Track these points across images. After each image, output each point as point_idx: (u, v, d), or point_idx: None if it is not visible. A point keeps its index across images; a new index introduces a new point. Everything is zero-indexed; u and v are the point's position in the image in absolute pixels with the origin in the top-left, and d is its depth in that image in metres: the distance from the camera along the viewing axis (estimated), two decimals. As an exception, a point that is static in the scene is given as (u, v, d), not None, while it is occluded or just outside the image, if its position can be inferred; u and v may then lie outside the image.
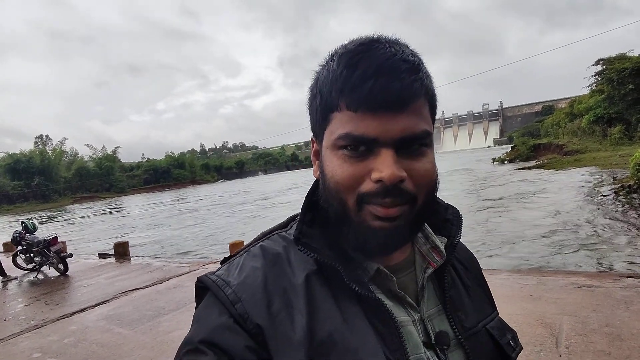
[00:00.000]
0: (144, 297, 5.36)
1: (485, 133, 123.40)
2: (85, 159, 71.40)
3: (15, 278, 7.57)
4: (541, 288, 4.06)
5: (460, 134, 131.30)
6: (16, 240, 7.63)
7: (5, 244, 11.01)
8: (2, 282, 7.38)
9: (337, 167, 0.47)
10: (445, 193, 15.27)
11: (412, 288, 0.54)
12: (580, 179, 14.62)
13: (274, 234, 0.57)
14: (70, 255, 7.70)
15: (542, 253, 6.38)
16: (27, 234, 7.68)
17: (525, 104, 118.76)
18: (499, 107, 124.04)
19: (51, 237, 7.42)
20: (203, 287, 0.51)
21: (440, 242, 0.56)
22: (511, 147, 35.44)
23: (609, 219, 8.04)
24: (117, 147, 76.06)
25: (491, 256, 6.54)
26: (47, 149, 65.15)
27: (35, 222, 8.15)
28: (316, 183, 0.56)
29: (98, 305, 5.22)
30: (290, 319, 0.46)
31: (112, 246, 9.12)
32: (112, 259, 8.61)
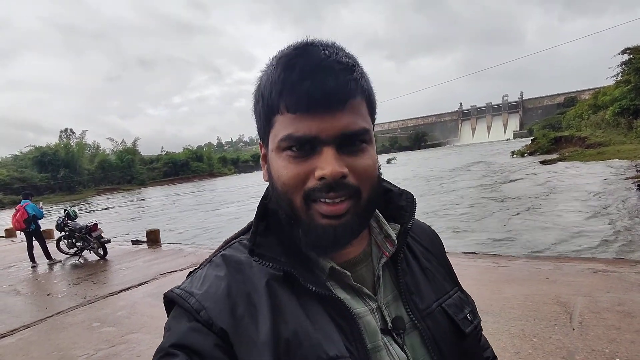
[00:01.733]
0: (183, 278, 5.56)
1: (505, 125, 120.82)
2: (107, 152, 73.57)
3: (60, 261, 8.20)
4: (557, 272, 4.28)
5: (479, 126, 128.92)
6: (60, 226, 8.25)
7: (43, 232, 11.76)
8: (48, 264, 8.01)
9: (282, 168, 0.49)
10: (461, 189, 15.32)
11: (370, 278, 0.57)
12: (603, 172, 14.46)
13: (234, 242, 0.59)
14: (109, 241, 8.28)
15: (561, 242, 6.54)
16: (69, 221, 8.28)
17: (547, 96, 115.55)
18: (519, 98, 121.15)
19: (92, 224, 8.01)
20: (170, 301, 0.53)
21: (393, 230, 0.59)
22: (531, 139, 34.82)
23: (630, 211, 8.08)
24: (137, 138, 77.62)
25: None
26: (71, 142, 67.40)
27: (77, 210, 8.76)
28: (267, 191, 0.58)
29: (141, 285, 5.71)
30: (255, 321, 0.48)
31: (132, 234, 9.67)
32: (145, 245, 9.15)
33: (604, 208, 8.63)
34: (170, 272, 6.25)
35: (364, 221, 0.53)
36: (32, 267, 7.86)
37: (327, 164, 0.47)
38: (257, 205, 0.57)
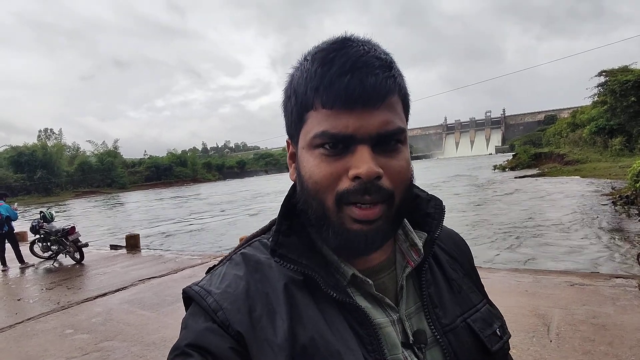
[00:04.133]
0: (162, 285, 5.67)
1: (487, 140, 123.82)
2: (87, 154, 71.81)
3: (33, 265, 7.90)
4: (536, 285, 4.37)
5: (462, 140, 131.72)
6: (35, 229, 7.95)
7: (17, 234, 11.31)
8: (20, 268, 7.70)
9: (314, 167, 0.47)
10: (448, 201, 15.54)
11: (392, 288, 0.55)
12: (580, 188, 14.94)
13: (255, 241, 0.58)
14: (86, 245, 8.03)
15: (541, 257, 6.69)
16: (45, 223, 7.99)
17: (528, 113, 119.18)
18: (501, 114, 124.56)
19: (69, 227, 7.76)
20: (188, 297, 0.53)
21: (420, 239, 0.56)
22: (512, 155, 35.80)
23: (606, 227, 8.35)
24: (117, 140, 76.08)
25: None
26: (50, 143, 65.46)
27: (53, 212, 8.48)
28: (292, 189, 0.56)
29: (118, 291, 5.54)
30: (272, 323, 0.47)
31: (110, 239, 9.43)
32: (124, 250, 8.92)
33: (581, 224, 8.89)
34: (149, 278, 6.09)
35: (395, 227, 0.51)
36: (2, 270, 7.55)
37: (363, 162, 0.45)
38: (281, 203, 0.55)
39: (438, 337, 0.53)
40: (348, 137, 0.45)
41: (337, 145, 0.46)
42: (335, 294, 0.49)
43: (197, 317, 0.49)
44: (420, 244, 0.56)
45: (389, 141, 0.47)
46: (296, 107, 0.49)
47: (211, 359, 0.46)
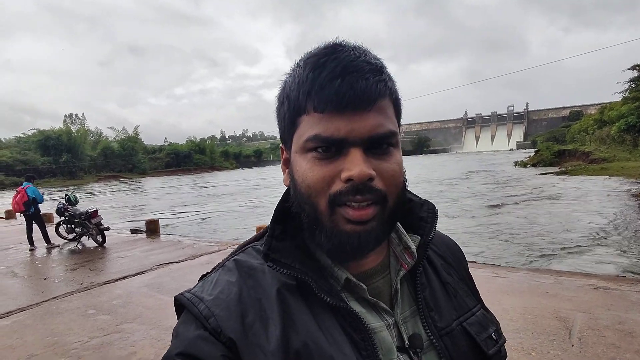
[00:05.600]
0: (180, 270, 5.79)
1: (509, 135, 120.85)
2: (110, 139, 73.78)
3: (58, 246, 8.20)
4: (558, 287, 4.25)
5: (483, 135, 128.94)
6: (60, 211, 8.23)
7: (43, 215, 11.75)
8: (46, 248, 8.01)
9: (307, 170, 0.48)
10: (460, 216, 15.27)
11: (387, 291, 0.55)
12: (606, 187, 14.41)
13: (248, 247, 0.58)
14: (108, 228, 8.27)
15: (563, 260, 6.51)
16: (69, 206, 8.26)
17: (552, 108, 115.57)
18: (524, 109, 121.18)
19: (92, 210, 7.99)
20: (180, 305, 0.53)
21: (413, 242, 0.57)
22: (535, 151, 34.79)
23: (634, 229, 8.04)
24: (137, 126, 78.11)
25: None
26: (74, 128, 67.42)
27: (77, 195, 8.74)
28: (286, 194, 0.56)
29: (138, 275, 5.69)
30: (265, 330, 0.47)
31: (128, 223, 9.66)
32: (144, 235, 9.14)
33: (607, 225, 8.59)
34: (168, 263, 6.23)
35: (388, 229, 0.51)
36: (30, 250, 7.86)
37: (355, 165, 0.45)
38: (275, 208, 0.55)
39: (434, 340, 0.53)
40: (340, 140, 0.46)
41: (330, 149, 0.47)
42: (328, 299, 0.49)
43: (188, 325, 0.49)
44: (414, 247, 0.56)
45: (381, 144, 0.47)
46: (289, 112, 0.50)
47: None
